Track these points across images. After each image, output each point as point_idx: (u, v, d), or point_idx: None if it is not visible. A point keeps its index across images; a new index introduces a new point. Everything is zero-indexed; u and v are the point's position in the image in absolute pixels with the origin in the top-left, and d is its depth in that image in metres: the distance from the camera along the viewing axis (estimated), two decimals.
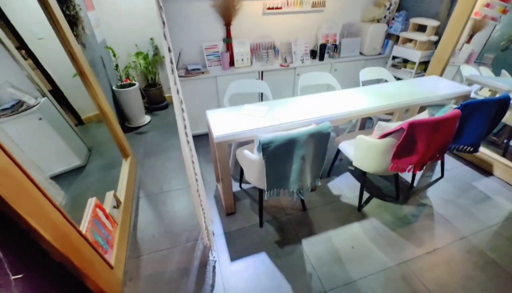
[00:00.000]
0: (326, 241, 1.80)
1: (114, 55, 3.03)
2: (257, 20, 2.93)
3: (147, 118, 3.45)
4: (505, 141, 2.69)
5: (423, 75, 3.11)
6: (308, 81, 2.54)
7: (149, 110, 3.68)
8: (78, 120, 2.74)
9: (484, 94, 2.90)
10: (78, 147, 2.45)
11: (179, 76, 2.63)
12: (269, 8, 2.85)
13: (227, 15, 2.70)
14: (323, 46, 3.07)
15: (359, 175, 2.42)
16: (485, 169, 2.45)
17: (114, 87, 3.03)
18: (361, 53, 3.35)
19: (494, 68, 2.90)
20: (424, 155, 1.56)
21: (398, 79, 2.63)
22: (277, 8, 2.86)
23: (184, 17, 2.65)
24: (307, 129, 1.35)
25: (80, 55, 1.87)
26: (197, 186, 1.22)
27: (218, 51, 2.86)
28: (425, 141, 1.52)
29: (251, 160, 1.54)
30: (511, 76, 2.73)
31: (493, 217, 1.96)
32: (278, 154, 1.34)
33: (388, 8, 3.18)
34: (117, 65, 3.05)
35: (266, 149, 1.30)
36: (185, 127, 1.05)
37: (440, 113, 1.82)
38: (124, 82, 3.15)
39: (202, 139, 2.98)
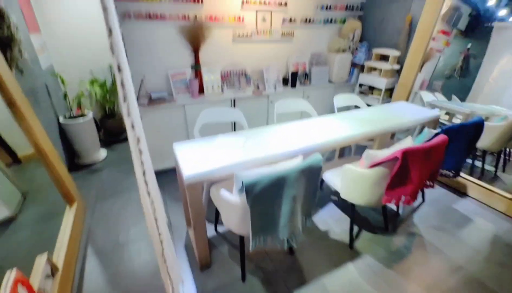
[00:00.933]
0: (321, 290, 1.54)
1: (63, 83, 2.63)
2: (228, 47, 2.82)
3: (103, 153, 3.00)
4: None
5: (389, 101, 3.24)
6: (283, 109, 2.43)
7: (106, 143, 3.23)
8: (14, 159, 2.22)
9: (444, 118, 3.08)
10: (8, 192, 1.94)
11: (141, 105, 2.33)
12: (239, 36, 2.77)
13: (195, 42, 2.55)
14: (294, 74, 3.06)
15: (345, 205, 2.27)
16: (460, 190, 2.48)
17: (61, 119, 2.59)
18: (330, 81, 3.41)
19: (444, 93, 3.15)
20: (418, 184, 1.45)
21: (368, 105, 2.67)
22: (247, 36, 2.81)
23: (147, 43, 2.42)
24: (297, 165, 1.15)
25: (10, 82, 1.50)
26: (161, 247, 0.91)
27: (186, 79, 2.65)
28: (418, 170, 1.42)
29: (231, 203, 1.27)
30: (460, 100, 2.96)
31: (480, 241, 1.91)
32: (264, 196, 1.10)
33: (352, 40, 3.35)
34: (65, 94, 2.64)
35: (250, 191, 1.06)
36: (144, 173, 0.77)
37: (419, 139, 1.79)
38: (76, 114, 2.73)
39: (169, 175, 2.62)
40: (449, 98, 3.14)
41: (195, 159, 1.46)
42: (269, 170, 1.13)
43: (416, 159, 1.42)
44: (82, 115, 2.73)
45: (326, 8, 3.14)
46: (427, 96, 3.17)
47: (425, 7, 2.64)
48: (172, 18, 2.40)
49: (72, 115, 2.70)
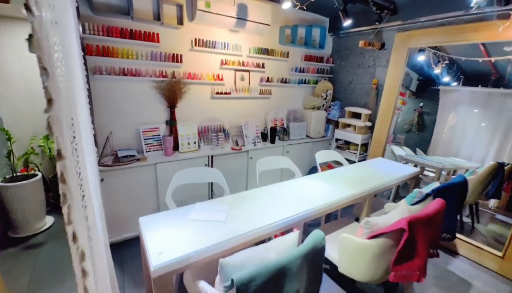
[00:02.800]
0: None
1: (10, 139, 2.25)
2: (206, 103, 2.75)
3: (49, 220, 2.47)
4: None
5: (366, 156, 3.30)
6: (265, 166, 2.29)
7: (55, 207, 2.71)
8: None
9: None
10: None
11: (103, 165, 2.02)
12: (218, 93, 2.75)
13: (171, 98, 2.44)
14: (273, 130, 3.03)
15: (342, 280, 2.00)
16: (450, 249, 2.38)
17: None
18: (307, 136, 3.45)
19: (407, 146, 3.37)
20: (425, 255, 1.29)
21: (347, 160, 2.68)
22: (226, 93, 2.79)
23: (118, 98, 2.25)
24: (299, 251, 0.93)
25: None
26: None
27: (159, 135, 2.45)
28: (423, 240, 1.28)
29: None
30: (423, 153, 3.19)
31: None
32: None
33: (325, 98, 3.53)
34: (10, 152, 2.23)
35: (243, 292, 0.80)
36: None
37: (408, 200, 1.71)
38: (19, 173, 2.29)
39: (132, 247, 2.18)
40: (414, 151, 3.35)
41: (165, 239, 1.17)
42: (266, 263, 0.89)
43: (420, 227, 1.29)
44: (28, 175, 2.30)
45: (300, 70, 3.35)
46: (397, 150, 3.31)
47: (388, 74, 2.92)
48: (148, 75, 2.31)
49: (14, 175, 2.26)
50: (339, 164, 2.69)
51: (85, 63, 2.05)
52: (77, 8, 1.94)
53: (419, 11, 2.60)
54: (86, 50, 2.00)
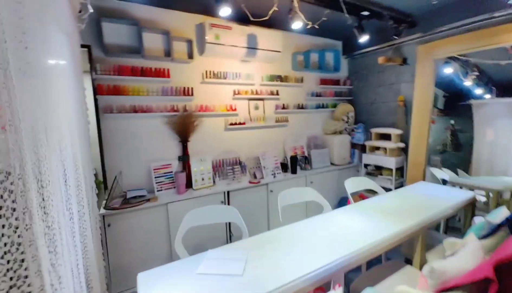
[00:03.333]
0: None
1: None
2: (220, 136, 2.62)
3: None
4: None
5: (403, 181, 2.90)
6: (288, 200, 1.99)
7: None
8: None
9: None
10: None
11: (110, 208, 1.86)
12: (232, 124, 2.61)
13: (183, 132, 2.33)
14: (294, 159, 2.79)
15: None
16: None
17: None
18: (332, 163, 3.14)
19: (444, 167, 2.95)
20: None
21: (383, 188, 2.32)
22: (240, 123, 2.66)
23: (128, 135, 2.17)
24: None
25: None
26: None
27: (171, 172, 2.29)
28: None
29: None
30: (466, 174, 2.78)
31: None
32: None
33: (347, 121, 3.29)
34: None
35: None
36: None
37: (476, 233, 1.32)
38: None
39: None
40: (455, 173, 2.93)
41: None
42: None
43: (510, 271, 0.92)
44: None
45: (316, 95, 3.19)
46: (437, 172, 2.88)
47: (416, 88, 2.66)
48: (159, 110, 2.24)
49: None
50: (373, 192, 2.33)
51: (96, 104, 2.04)
52: (89, 51, 1.99)
53: (440, 20, 2.41)
54: (98, 90, 1.99)
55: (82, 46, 1.91)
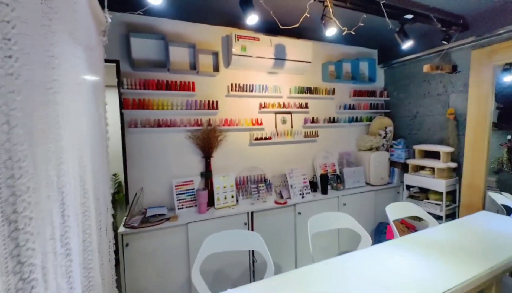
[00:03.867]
0: None
1: None
2: (244, 151, 2.47)
3: None
4: None
5: (455, 207, 2.48)
6: (320, 227, 1.76)
7: None
8: None
9: None
10: None
11: (129, 226, 1.77)
12: (257, 139, 2.46)
13: (207, 147, 2.22)
14: (324, 177, 2.53)
15: None
16: None
17: None
18: (367, 183, 2.82)
19: (501, 190, 2.49)
20: None
21: (431, 214, 1.97)
22: (266, 138, 2.49)
23: (151, 149, 2.12)
24: None
25: None
26: None
27: (193, 189, 2.18)
28: None
29: None
30: None
31: None
32: None
33: (384, 137, 2.96)
34: None
35: None
36: None
37: None
38: None
39: None
40: None
41: None
42: None
43: None
44: None
45: (349, 107, 2.93)
46: (497, 197, 2.42)
47: (470, 99, 2.30)
48: (183, 124, 2.17)
49: None
50: (417, 219, 1.99)
51: (122, 118, 2.02)
52: (118, 66, 1.99)
53: (499, 21, 2.07)
54: (123, 104, 1.97)
55: (110, 60, 1.93)
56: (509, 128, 2.60)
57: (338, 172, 2.78)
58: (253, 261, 2.15)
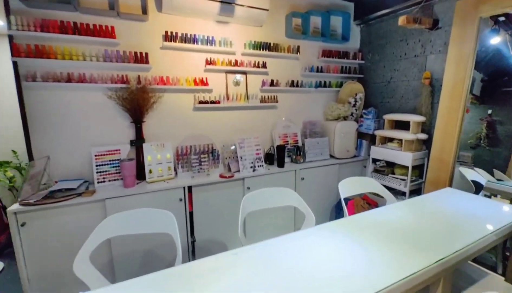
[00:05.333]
0: None
1: None
2: (186, 117, 2.11)
3: None
4: None
5: (422, 183, 2.27)
6: (257, 205, 1.49)
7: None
8: None
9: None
10: None
11: (24, 203, 1.44)
12: (202, 102, 2.09)
13: (136, 110, 1.85)
14: (280, 149, 2.23)
15: None
16: None
17: None
18: (332, 156, 2.56)
19: (477, 166, 2.32)
20: None
21: (388, 189, 1.74)
22: (213, 102, 2.13)
23: (59, 110, 1.72)
24: None
25: None
26: None
27: (119, 160, 1.83)
28: None
29: None
30: (504, 174, 2.14)
31: None
32: None
33: (354, 105, 2.65)
34: None
35: None
36: None
37: None
38: None
39: None
40: (490, 173, 2.27)
41: None
42: None
43: None
44: None
45: (317, 70, 2.56)
46: (468, 173, 2.22)
47: (449, 59, 1.97)
48: (102, 81, 1.76)
49: None
50: (381, 195, 1.76)
51: (15, 69, 1.59)
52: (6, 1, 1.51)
53: None
54: (13, 51, 1.53)
55: None
56: (491, 102, 2.36)
57: (300, 143, 2.49)
58: (193, 241, 1.90)
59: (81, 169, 1.81)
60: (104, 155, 1.80)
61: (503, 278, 1.39)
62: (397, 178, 2.27)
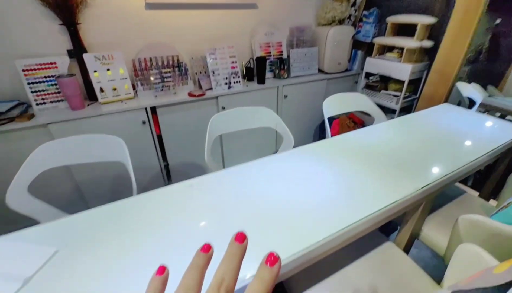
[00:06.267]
0: None
1: None
2: (138, 19, 1.64)
3: None
4: None
5: (415, 100, 2.08)
6: (227, 127, 1.29)
7: None
8: None
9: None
10: None
11: None
12: None
13: (61, 5, 1.37)
14: (261, 61, 1.88)
15: None
16: None
17: None
18: (320, 71, 2.24)
19: (469, 82, 2.14)
20: None
21: (379, 106, 1.55)
22: None
23: None
24: None
25: None
26: None
27: (55, 76, 1.48)
28: None
29: None
30: (499, 91, 1.97)
31: None
32: None
33: (353, 4, 2.15)
34: None
35: None
36: None
37: None
38: None
39: None
40: (483, 89, 2.10)
41: None
42: None
43: None
44: None
45: None
46: (464, 88, 2.03)
47: None
48: None
49: None
50: (368, 114, 1.58)
51: None
52: None
53: None
54: None
55: None
56: (501, 11, 1.93)
57: (285, 55, 2.12)
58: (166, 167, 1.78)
59: (13, 89, 1.47)
60: (35, 69, 1.43)
61: (477, 194, 1.37)
62: (389, 94, 2.05)
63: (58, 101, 1.50)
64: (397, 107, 2.00)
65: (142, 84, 1.66)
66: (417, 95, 2.05)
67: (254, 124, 1.35)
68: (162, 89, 1.67)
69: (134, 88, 1.66)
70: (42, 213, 0.97)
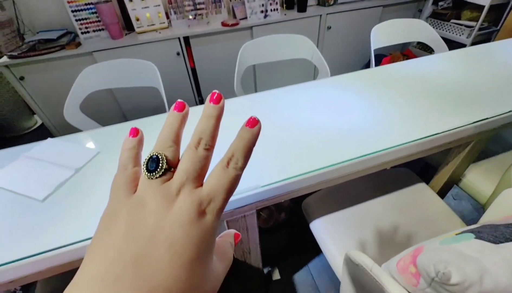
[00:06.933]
0: None
1: None
2: None
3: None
4: None
5: (495, 32, 1.67)
6: (258, 56, 1.22)
7: None
8: None
9: None
10: None
11: (13, 56, 1.34)
12: None
13: None
14: None
15: None
16: None
17: None
18: None
19: None
20: None
21: (446, 41, 1.26)
22: None
23: None
24: None
25: None
26: None
27: (93, 3, 1.49)
28: None
29: None
30: None
31: None
32: None
33: None
34: None
35: None
36: None
37: None
38: None
39: None
40: None
41: None
42: None
43: None
44: None
45: None
46: None
47: None
48: None
49: None
50: (428, 50, 1.33)
51: None
52: None
53: None
54: None
55: None
56: None
57: None
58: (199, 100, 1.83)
59: (60, 18, 1.55)
60: None
61: None
62: (461, 25, 1.66)
63: (100, 30, 1.55)
64: (468, 41, 1.63)
65: (175, 13, 1.60)
66: (498, 27, 1.63)
67: (288, 55, 1.25)
68: (195, 18, 1.60)
69: (167, 17, 1.62)
70: (89, 126, 1.10)
